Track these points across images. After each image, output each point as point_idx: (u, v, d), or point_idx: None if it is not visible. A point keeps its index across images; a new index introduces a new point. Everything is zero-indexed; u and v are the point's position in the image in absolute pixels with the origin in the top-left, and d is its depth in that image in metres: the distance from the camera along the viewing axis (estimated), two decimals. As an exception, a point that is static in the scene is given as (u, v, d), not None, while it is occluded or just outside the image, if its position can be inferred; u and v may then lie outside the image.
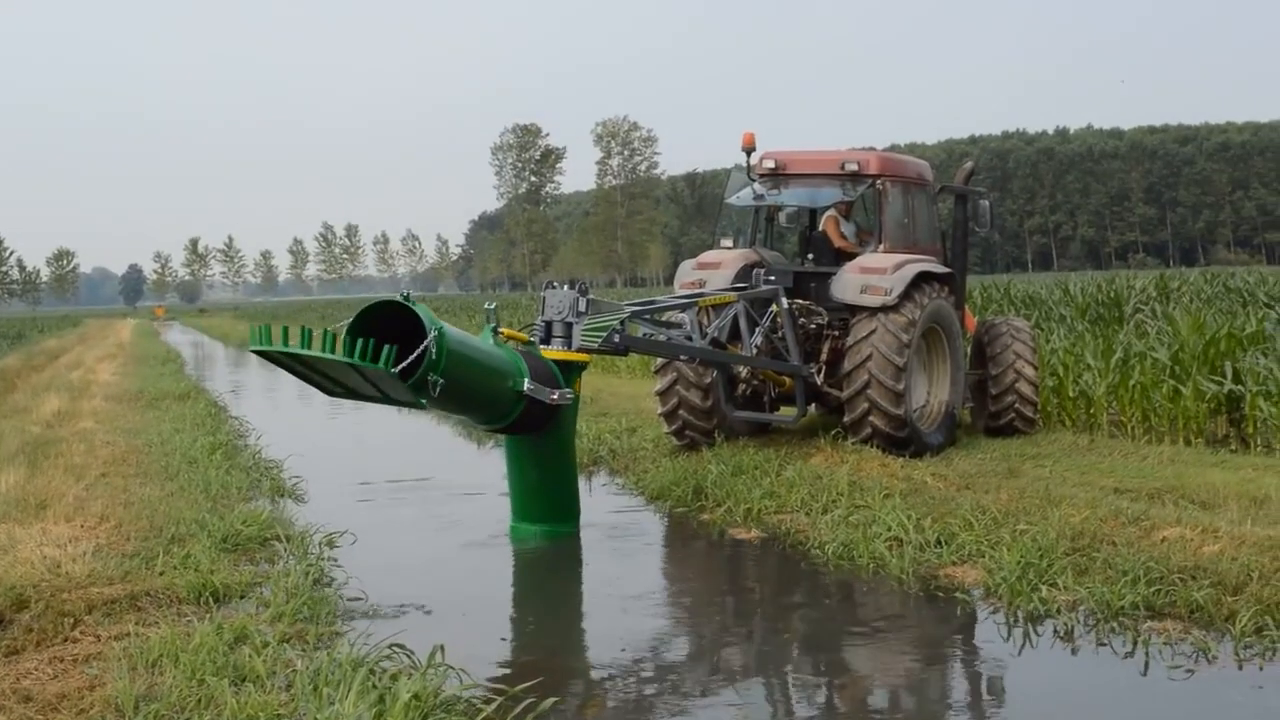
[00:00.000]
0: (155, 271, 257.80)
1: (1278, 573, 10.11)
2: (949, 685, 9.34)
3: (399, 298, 11.90)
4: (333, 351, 11.46)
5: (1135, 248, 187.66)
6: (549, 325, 13.68)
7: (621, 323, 14.09)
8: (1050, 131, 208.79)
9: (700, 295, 16.03)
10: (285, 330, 11.60)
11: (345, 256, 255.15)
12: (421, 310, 11.70)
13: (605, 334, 13.79)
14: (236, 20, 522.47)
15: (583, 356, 13.71)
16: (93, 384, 32.45)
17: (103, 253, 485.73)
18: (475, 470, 19.15)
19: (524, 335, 13.71)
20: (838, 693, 9.06)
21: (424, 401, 11.94)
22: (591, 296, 13.86)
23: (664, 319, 15.79)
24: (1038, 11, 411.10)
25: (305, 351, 11.54)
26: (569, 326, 13.64)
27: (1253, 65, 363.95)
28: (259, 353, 11.82)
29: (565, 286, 13.84)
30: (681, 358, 15.78)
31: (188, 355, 56.51)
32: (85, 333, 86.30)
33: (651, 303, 15.58)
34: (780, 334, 16.54)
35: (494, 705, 7.71)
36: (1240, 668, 8.91)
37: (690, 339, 15.39)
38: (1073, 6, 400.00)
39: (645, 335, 15.09)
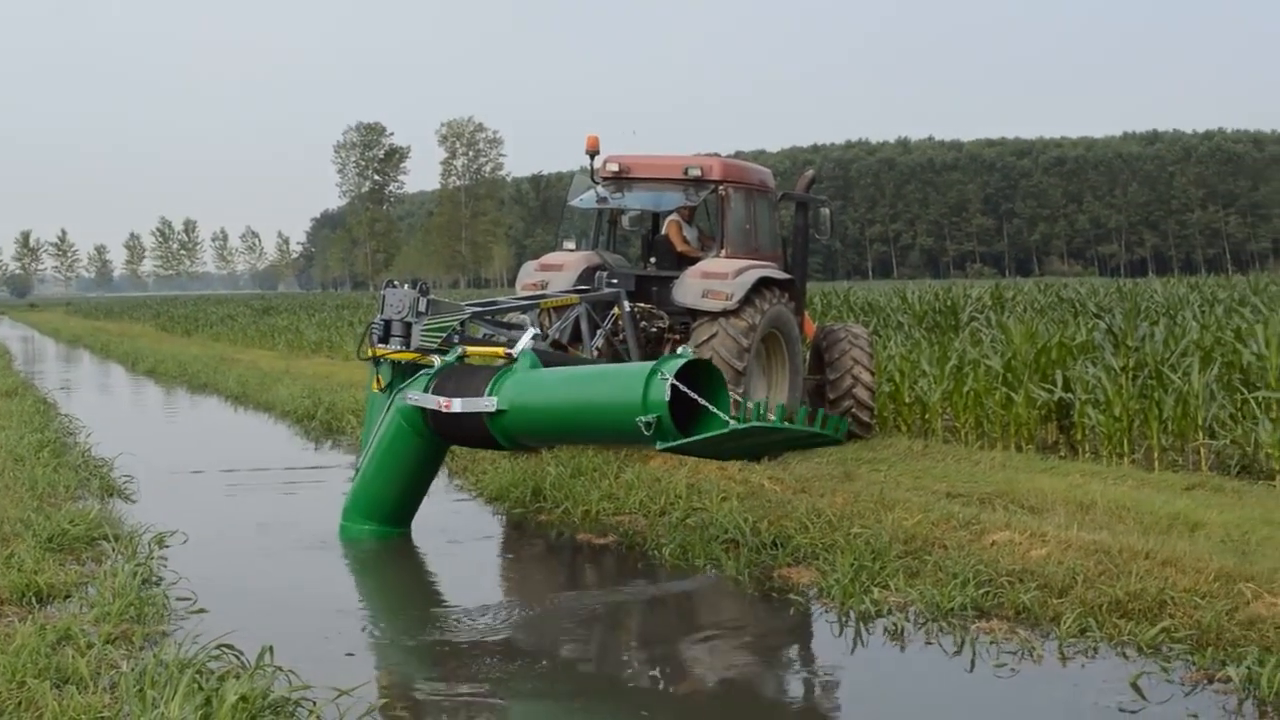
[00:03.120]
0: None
1: (1102, 576, 10.34)
2: (781, 683, 9.43)
3: (692, 355, 11.99)
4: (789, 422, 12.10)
5: (973, 257, 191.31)
6: (388, 324, 13.57)
7: (461, 324, 14.02)
8: (892, 141, 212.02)
9: (542, 297, 16.00)
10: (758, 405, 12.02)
11: (183, 253, 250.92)
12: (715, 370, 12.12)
13: (445, 334, 13.71)
14: (69, 4, 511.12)
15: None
16: (-84, 379, 31.51)
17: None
18: (308, 468, 18.97)
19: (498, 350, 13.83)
20: (670, 692, 9.10)
21: None
22: (432, 296, 13.76)
23: (505, 320, 15.73)
24: (879, 23, 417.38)
25: (784, 425, 11.93)
26: (408, 327, 13.53)
27: (1086, 82, 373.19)
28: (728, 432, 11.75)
29: (406, 286, 13.75)
30: None
31: (16, 350, 55.19)
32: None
33: (493, 303, 15.51)
34: (621, 337, 16.56)
35: (322, 706, 7.62)
36: (1064, 666, 9.11)
37: None
38: (914, 19, 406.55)
39: (485, 336, 15.02)
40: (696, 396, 11.63)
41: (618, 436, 12.72)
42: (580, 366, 14.21)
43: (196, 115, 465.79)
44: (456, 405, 12.79)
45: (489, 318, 15.07)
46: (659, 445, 11.77)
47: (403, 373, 13.59)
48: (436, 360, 13.42)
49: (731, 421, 11.60)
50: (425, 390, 13.09)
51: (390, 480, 13.62)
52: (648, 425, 11.51)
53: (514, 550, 14.03)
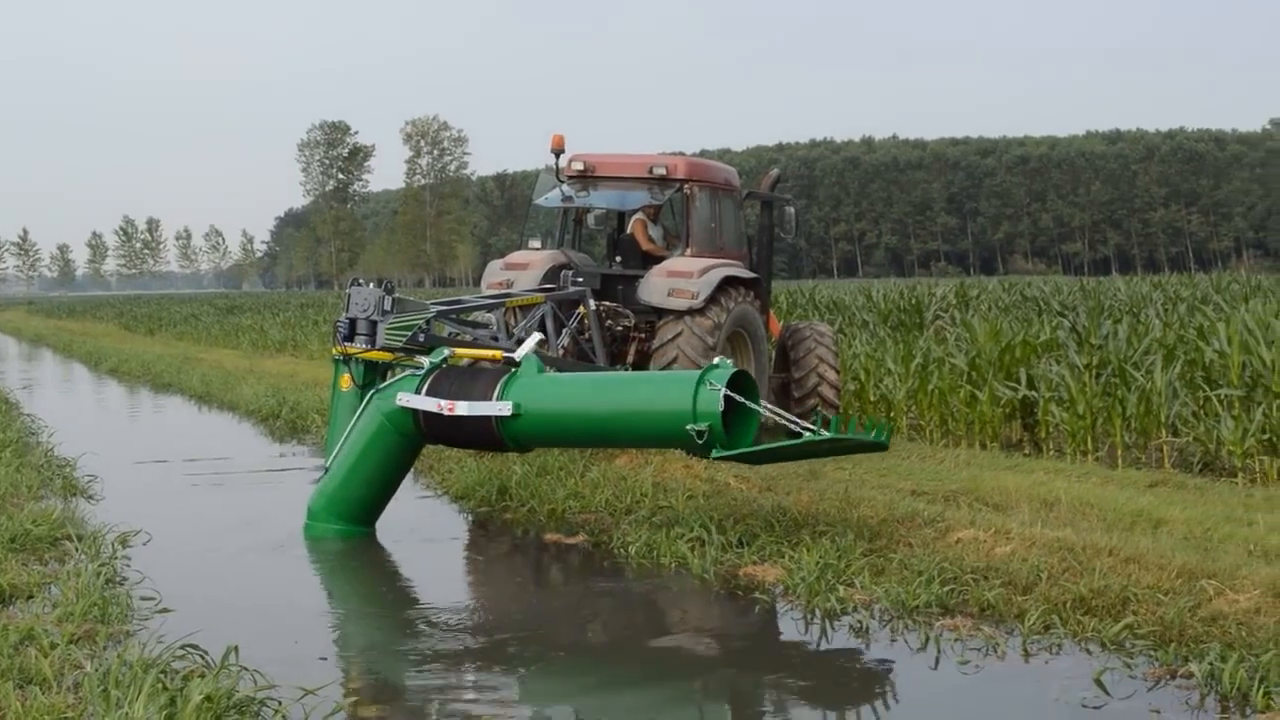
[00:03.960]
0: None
1: (1065, 573, 10.39)
2: (746, 681, 9.44)
3: (731, 366, 12.42)
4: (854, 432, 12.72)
5: (937, 256, 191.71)
6: (353, 323, 13.54)
7: (427, 322, 14.00)
8: (856, 140, 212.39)
9: (507, 295, 15.97)
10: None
11: (146, 252, 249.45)
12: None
13: (410, 333, 13.70)
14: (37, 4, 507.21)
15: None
16: (-124, 379, 31.29)
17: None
18: (270, 466, 18.90)
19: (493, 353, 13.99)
20: (637, 691, 9.10)
21: None
22: (397, 295, 13.74)
23: (471, 319, 15.70)
24: (842, 24, 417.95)
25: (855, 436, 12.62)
26: (373, 325, 13.51)
27: (1049, 81, 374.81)
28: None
29: (371, 284, 13.73)
30: None
31: (-22, 350, 54.83)
32: None
33: (458, 302, 15.49)
34: (587, 335, 16.54)
35: (288, 706, 7.59)
36: (1028, 662, 9.15)
37: (496, 339, 15.32)
38: (877, 19, 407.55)
39: (451, 335, 14.99)
40: (776, 412, 12.21)
41: (657, 441, 13.18)
42: (602, 372, 14.68)
43: (160, 113, 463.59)
44: (463, 409, 12.82)
45: (454, 316, 15.05)
46: (714, 454, 12.23)
47: (380, 373, 13.61)
48: (425, 361, 13.48)
49: (806, 433, 12.14)
50: (418, 392, 13.12)
51: (364, 480, 13.58)
52: (699, 434, 11.95)
53: (480, 550, 14.01)
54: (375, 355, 13.59)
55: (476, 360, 14.01)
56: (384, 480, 13.75)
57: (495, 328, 15.31)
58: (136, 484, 17.25)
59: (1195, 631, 9.17)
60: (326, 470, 13.77)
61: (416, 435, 13.41)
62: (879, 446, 12.67)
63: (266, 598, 11.43)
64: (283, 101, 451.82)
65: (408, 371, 13.50)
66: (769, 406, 12.78)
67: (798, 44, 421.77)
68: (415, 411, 13.10)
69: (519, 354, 13.53)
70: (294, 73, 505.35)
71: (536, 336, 14.12)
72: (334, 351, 13.74)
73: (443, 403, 12.92)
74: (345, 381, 13.72)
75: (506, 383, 12.90)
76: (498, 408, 12.74)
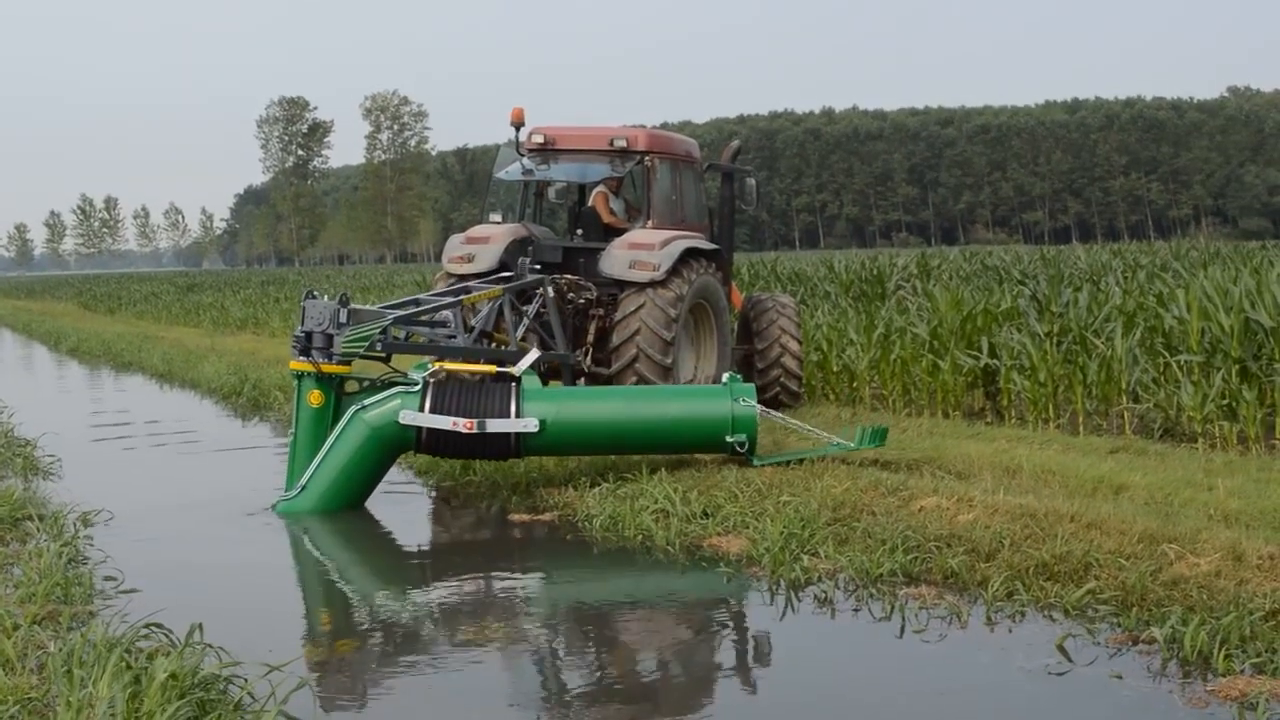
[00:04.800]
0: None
1: (1028, 539, 10.44)
2: (711, 652, 9.47)
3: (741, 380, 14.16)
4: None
5: (899, 226, 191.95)
6: (309, 336, 13.50)
7: (384, 331, 13.98)
8: (816, 112, 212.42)
9: (463, 293, 15.76)
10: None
11: (104, 230, 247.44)
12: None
13: (367, 344, 13.71)
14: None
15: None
16: None
17: None
18: (234, 443, 18.83)
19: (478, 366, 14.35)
20: (603, 660, 9.11)
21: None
22: (353, 306, 13.68)
23: (426, 319, 15.55)
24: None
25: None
26: (329, 338, 13.47)
27: (1007, 51, 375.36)
28: None
29: (325, 298, 13.71)
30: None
31: (-64, 332, 54.44)
32: None
33: (415, 302, 15.38)
34: (546, 316, 16.38)
35: (253, 683, 7.57)
36: (991, 630, 9.19)
37: (454, 337, 15.19)
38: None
39: (407, 335, 14.98)
40: (800, 425, 13.20)
41: (692, 448, 14.19)
42: (625, 386, 15.11)
43: (119, 89, 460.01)
44: (494, 426, 13.30)
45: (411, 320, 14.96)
46: (756, 462, 13.76)
47: (338, 384, 13.61)
48: (417, 377, 13.69)
49: (838, 441, 14.18)
50: (421, 409, 13.30)
51: (346, 495, 13.58)
52: (740, 444, 13.61)
53: (444, 524, 14.00)
54: (385, 369, 14.21)
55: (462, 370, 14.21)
56: (366, 491, 13.87)
57: (453, 325, 15.23)
58: (98, 463, 17.19)
59: (1157, 596, 9.24)
60: (302, 488, 13.48)
61: (406, 446, 13.70)
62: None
63: (230, 576, 11.40)
64: (241, 77, 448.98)
65: (398, 387, 13.55)
66: (803, 425, 14.22)
67: (758, 16, 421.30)
68: (416, 428, 13.33)
69: (519, 368, 13.95)
70: (251, 48, 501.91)
71: (535, 353, 14.43)
72: (304, 367, 13.59)
73: (460, 421, 13.24)
74: (316, 398, 13.60)
75: (521, 399, 13.46)
76: (523, 424, 13.30)
